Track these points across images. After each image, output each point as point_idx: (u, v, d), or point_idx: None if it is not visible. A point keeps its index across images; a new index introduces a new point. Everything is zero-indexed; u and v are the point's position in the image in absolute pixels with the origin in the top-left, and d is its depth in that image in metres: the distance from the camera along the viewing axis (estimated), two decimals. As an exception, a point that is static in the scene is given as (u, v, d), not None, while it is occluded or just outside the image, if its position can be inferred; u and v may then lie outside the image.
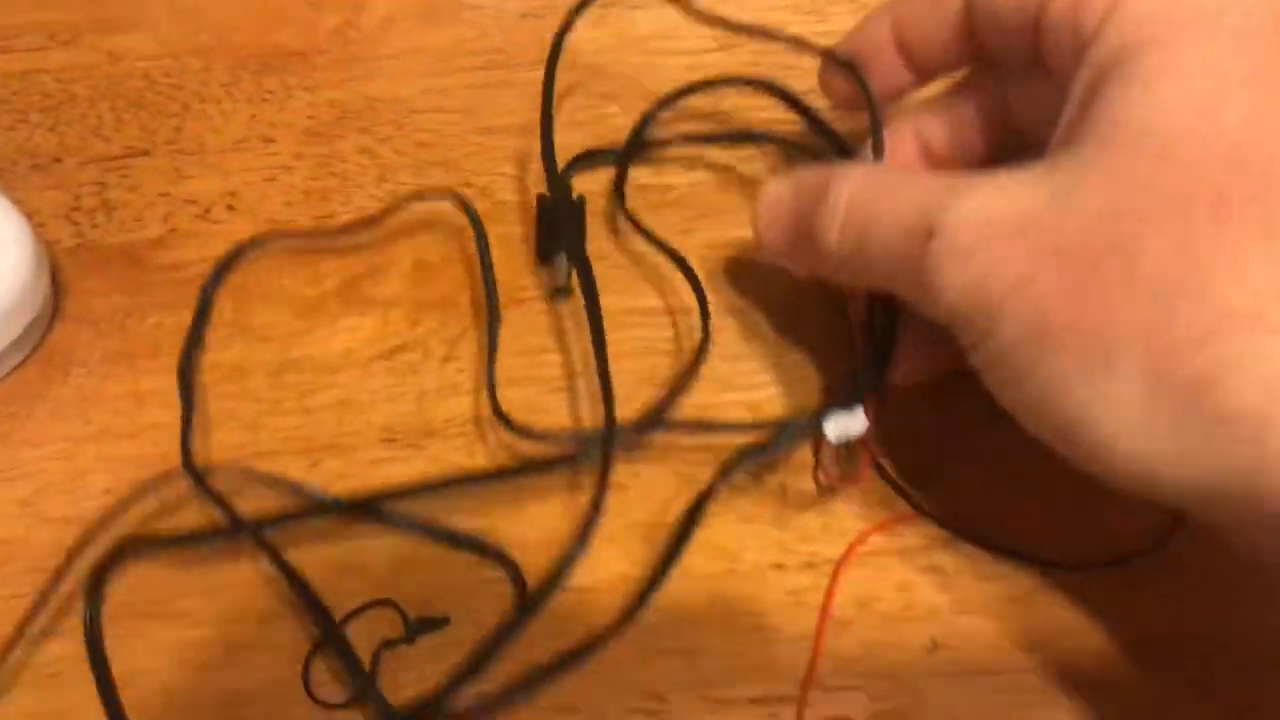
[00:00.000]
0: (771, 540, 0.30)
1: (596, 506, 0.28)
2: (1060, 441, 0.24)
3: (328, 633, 0.29)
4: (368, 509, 0.30)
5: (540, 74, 0.35)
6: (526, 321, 0.34)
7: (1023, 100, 0.29)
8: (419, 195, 0.35)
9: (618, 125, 0.37)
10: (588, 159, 0.36)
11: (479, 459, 0.31)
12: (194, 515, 0.31)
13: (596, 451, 0.29)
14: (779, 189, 0.29)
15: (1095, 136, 0.23)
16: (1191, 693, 0.28)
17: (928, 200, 0.24)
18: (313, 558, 0.30)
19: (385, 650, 0.29)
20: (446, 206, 0.35)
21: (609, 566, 0.30)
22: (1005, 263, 0.23)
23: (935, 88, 0.31)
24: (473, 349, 0.33)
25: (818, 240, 0.27)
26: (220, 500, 0.30)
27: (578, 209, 0.34)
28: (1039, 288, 0.22)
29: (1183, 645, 0.28)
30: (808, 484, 0.31)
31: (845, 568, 0.30)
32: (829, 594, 0.29)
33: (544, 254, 0.34)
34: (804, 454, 0.31)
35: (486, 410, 0.32)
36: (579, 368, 0.33)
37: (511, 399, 0.32)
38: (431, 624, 0.29)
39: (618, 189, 0.35)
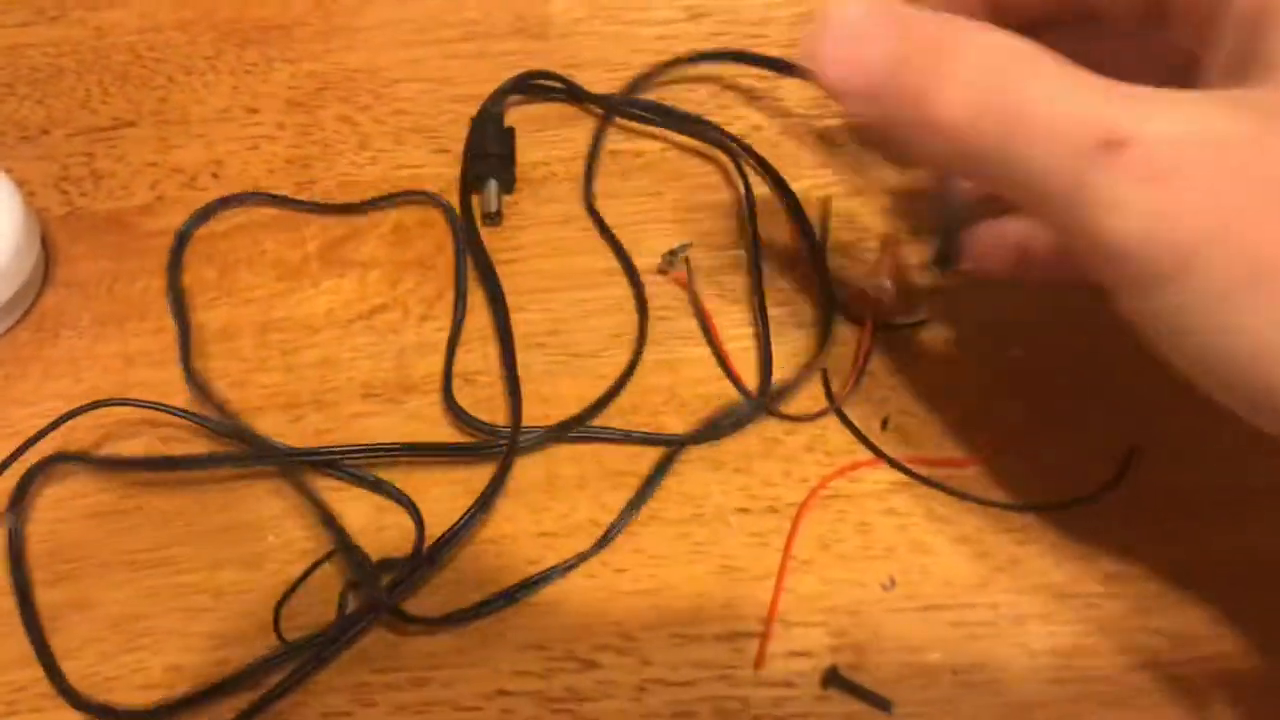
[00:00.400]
0: (736, 486, 0.31)
1: (493, 490, 0.30)
2: (1264, 400, 0.21)
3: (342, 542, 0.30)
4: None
5: (516, 45, 0.36)
6: (503, 284, 0.35)
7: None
8: (397, 195, 0.36)
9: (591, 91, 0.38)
10: (523, 86, 0.37)
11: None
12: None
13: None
14: (871, 15, 0.23)
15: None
16: (1133, 622, 0.29)
17: (1106, 102, 0.20)
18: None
19: (350, 591, 0.30)
20: (425, 172, 0.36)
21: (579, 512, 0.31)
22: (1215, 194, 0.19)
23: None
24: (450, 308, 0.34)
25: (928, 111, 0.22)
26: (221, 409, 0.32)
27: (506, 136, 0.36)
28: (1256, 224, 0.19)
29: (1124, 580, 0.30)
30: (769, 433, 0.32)
31: (807, 511, 0.31)
32: (791, 536, 0.31)
33: (474, 181, 0.36)
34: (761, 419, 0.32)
35: (461, 367, 0.33)
36: (548, 325, 0.34)
37: (491, 355, 0.33)
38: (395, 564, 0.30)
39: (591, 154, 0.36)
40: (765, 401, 0.32)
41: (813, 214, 0.35)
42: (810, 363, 0.32)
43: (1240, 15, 0.21)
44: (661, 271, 0.34)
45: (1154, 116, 0.20)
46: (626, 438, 0.32)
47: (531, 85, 0.37)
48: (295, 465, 0.31)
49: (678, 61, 0.37)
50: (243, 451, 0.32)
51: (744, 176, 0.36)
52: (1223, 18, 0.22)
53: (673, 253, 0.34)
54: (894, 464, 0.31)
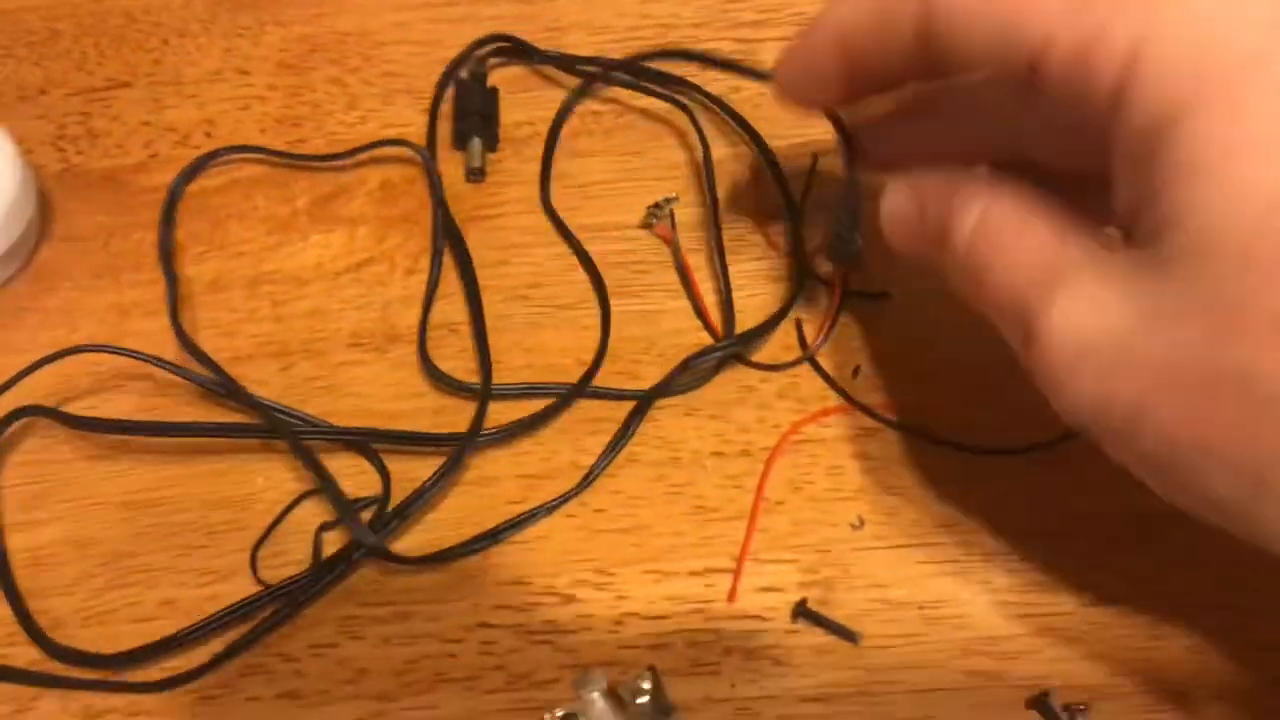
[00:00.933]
0: (711, 431, 0.32)
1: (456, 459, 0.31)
2: (1219, 520, 0.23)
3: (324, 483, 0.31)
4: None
5: (503, 9, 0.37)
6: (483, 238, 0.36)
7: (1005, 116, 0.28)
8: (379, 143, 0.37)
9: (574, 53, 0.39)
10: (504, 47, 0.38)
11: (436, 363, 0.34)
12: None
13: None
14: (903, 197, 0.27)
15: (1173, 243, 0.21)
16: (1093, 561, 0.30)
17: (1031, 280, 0.23)
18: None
19: (324, 532, 0.31)
20: (412, 131, 0.37)
21: (561, 456, 0.32)
22: (1115, 394, 0.22)
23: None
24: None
25: (941, 260, 0.26)
26: (214, 364, 0.33)
27: (490, 95, 0.37)
28: (1159, 416, 0.21)
29: (1086, 520, 0.31)
30: (744, 381, 0.33)
31: (779, 454, 0.32)
32: (763, 478, 0.32)
33: (458, 139, 0.37)
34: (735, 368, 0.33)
35: (444, 318, 0.34)
36: (530, 279, 0.35)
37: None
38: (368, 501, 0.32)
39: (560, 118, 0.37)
40: (732, 344, 0.33)
41: (798, 172, 0.36)
42: (781, 310, 0.33)
43: (1126, 153, 0.22)
44: (646, 225, 0.35)
45: (1054, 310, 0.23)
46: (593, 394, 0.33)
47: (503, 49, 0.38)
48: (281, 430, 0.32)
49: (653, 55, 0.38)
50: (226, 423, 0.33)
51: (701, 134, 0.36)
52: (1113, 151, 0.22)
53: (658, 205, 0.35)
54: (864, 410, 0.32)
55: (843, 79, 0.27)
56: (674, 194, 0.35)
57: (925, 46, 0.24)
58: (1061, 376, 0.23)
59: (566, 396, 0.33)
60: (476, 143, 0.36)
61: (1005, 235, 0.25)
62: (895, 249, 0.28)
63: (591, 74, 0.38)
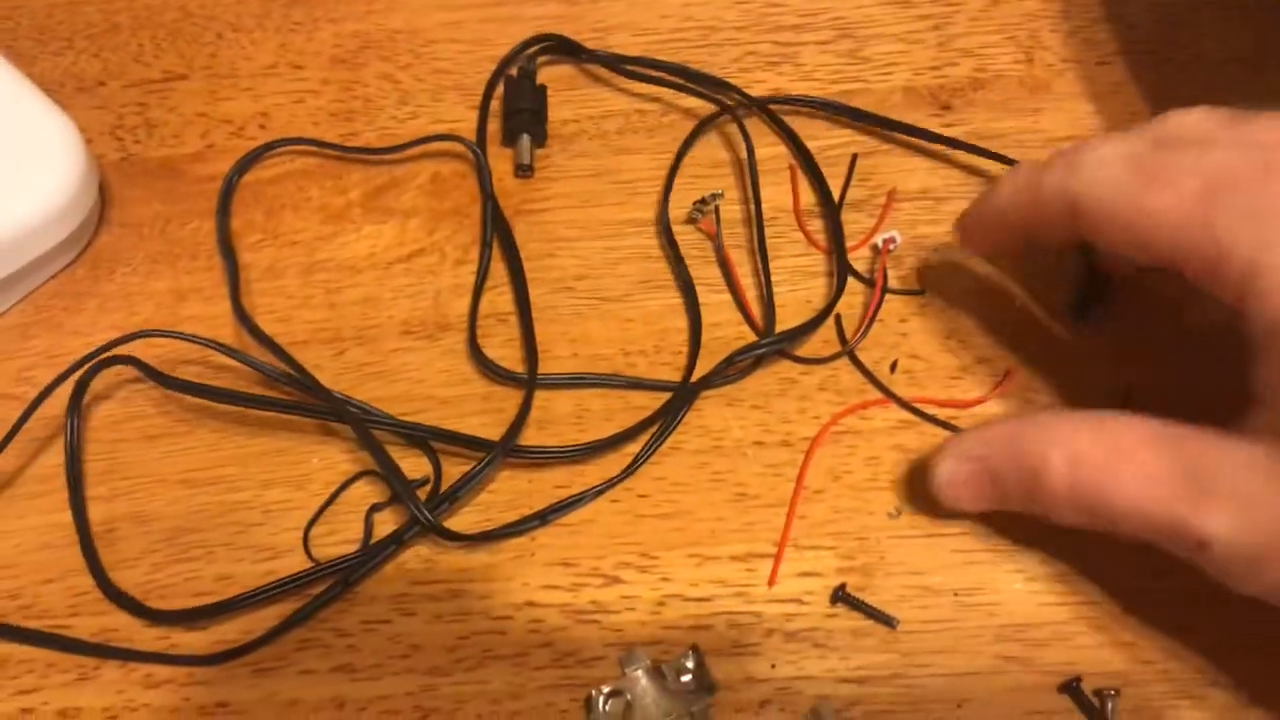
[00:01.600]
0: (753, 421, 0.33)
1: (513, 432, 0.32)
2: None
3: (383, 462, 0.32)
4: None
5: (550, 9, 0.38)
6: (531, 231, 0.37)
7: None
8: (430, 138, 0.38)
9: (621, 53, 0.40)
10: (552, 45, 0.39)
11: (485, 351, 0.35)
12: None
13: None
14: (961, 465, 0.30)
15: None
16: (1123, 552, 0.31)
17: (1176, 507, 0.25)
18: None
19: (375, 512, 0.32)
20: (461, 126, 0.38)
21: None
22: None
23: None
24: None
25: (1031, 506, 0.28)
26: (277, 346, 0.34)
27: (539, 93, 0.38)
28: None
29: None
30: (785, 374, 0.34)
31: (819, 445, 0.33)
32: (804, 467, 0.33)
33: (508, 137, 0.38)
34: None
35: (493, 308, 0.35)
36: (577, 271, 0.36)
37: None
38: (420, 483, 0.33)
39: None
40: (775, 341, 0.34)
41: (834, 171, 0.37)
42: (825, 309, 0.34)
43: (1259, 354, 0.25)
44: (691, 220, 0.36)
45: (1219, 518, 0.24)
46: (635, 384, 0.34)
47: (551, 48, 0.39)
48: (345, 414, 0.33)
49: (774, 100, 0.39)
50: (297, 401, 0.33)
51: (745, 134, 0.37)
52: (1253, 349, 0.25)
53: (703, 201, 0.36)
54: (901, 403, 0.33)
55: (1013, 241, 0.31)
56: (720, 190, 0.36)
57: (1076, 231, 0.28)
58: (1243, 571, 0.25)
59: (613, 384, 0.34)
60: (525, 139, 0.37)
61: (1109, 467, 0.26)
62: (959, 510, 0.30)
63: (639, 74, 0.39)
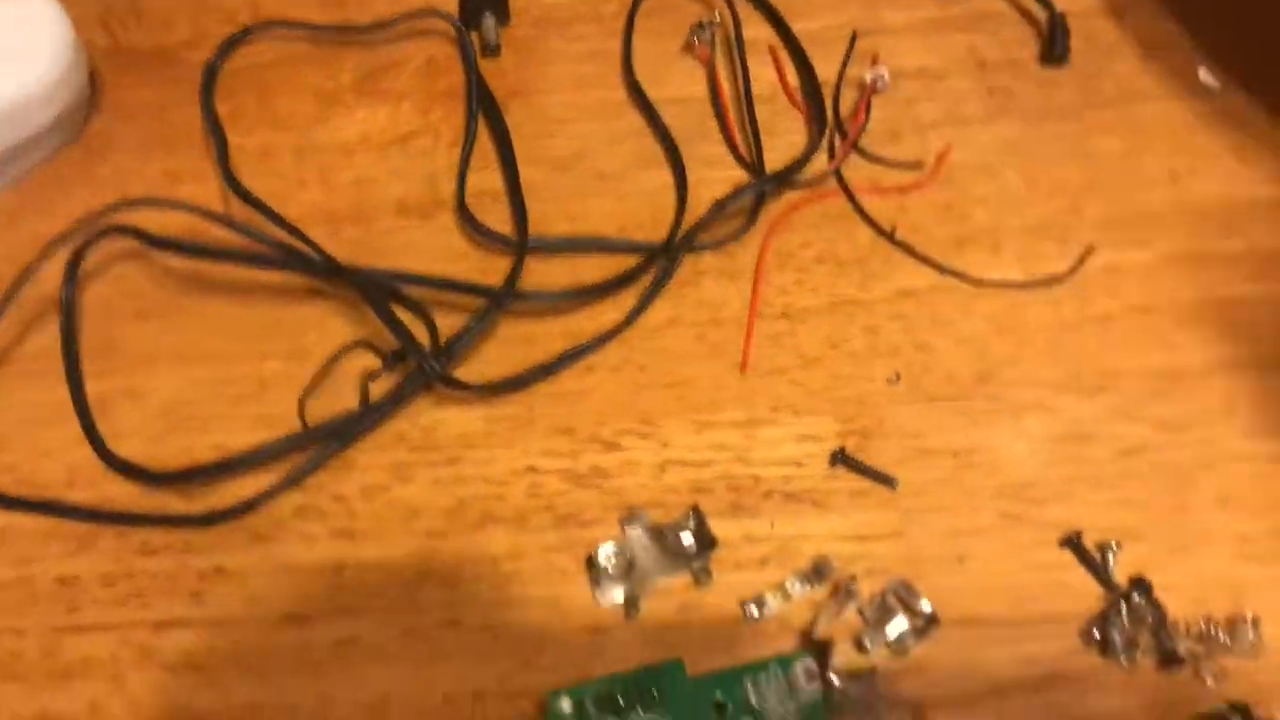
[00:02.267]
0: (749, 293, 0.33)
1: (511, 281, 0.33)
2: None
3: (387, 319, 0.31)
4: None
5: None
6: (527, 113, 0.37)
7: None
8: (411, 14, 0.38)
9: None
10: None
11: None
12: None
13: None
14: None
15: None
16: (1125, 412, 0.31)
17: None
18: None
19: (370, 380, 0.32)
20: (451, 4, 0.38)
21: (605, 315, 0.33)
22: None
23: None
24: (478, 135, 0.36)
25: None
26: (274, 214, 0.34)
27: None
28: None
29: (1121, 376, 0.32)
30: (784, 247, 0.34)
31: (774, 235, 0.34)
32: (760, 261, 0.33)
33: (471, 17, 0.38)
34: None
35: (487, 185, 0.35)
36: (573, 150, 0.36)
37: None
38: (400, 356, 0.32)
39: None
40: (763, 177, 0.34)
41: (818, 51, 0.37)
42: (808, 150, 0.35)
43: None
44: (688, 47, 0.37)
45: None
46: (629, 247, 0.34)
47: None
48: (336, 269, 0.33)
49: None
50: (299, 253, 0.33)
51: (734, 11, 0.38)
52: None
53: (701, 26, 0.36)
54: (905, 248, 0.33)
55: None
56: (717, 18, 0.37)
57: None
58: None
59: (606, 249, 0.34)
60: (489, 18, 0.37)
61: None
62: None
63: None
